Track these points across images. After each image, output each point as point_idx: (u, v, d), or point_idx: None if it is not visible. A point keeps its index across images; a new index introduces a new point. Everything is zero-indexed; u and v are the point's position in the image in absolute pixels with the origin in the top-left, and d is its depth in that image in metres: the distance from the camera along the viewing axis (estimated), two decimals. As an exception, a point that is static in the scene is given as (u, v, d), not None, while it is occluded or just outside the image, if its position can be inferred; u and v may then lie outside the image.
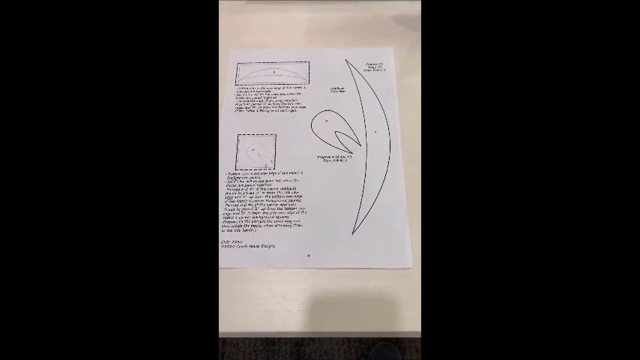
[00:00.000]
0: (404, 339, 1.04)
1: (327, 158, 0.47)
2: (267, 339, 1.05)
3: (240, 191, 0.46)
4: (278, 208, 0.45)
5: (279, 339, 1.05)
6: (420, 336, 0.39)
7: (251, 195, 0.45)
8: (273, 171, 0.47)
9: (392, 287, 0.41)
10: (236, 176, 0.46)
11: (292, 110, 0.50)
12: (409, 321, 0.40)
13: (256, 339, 1.05)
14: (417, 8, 0.55)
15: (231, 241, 0.43)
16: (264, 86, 0.52)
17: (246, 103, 0.51)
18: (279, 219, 0.44)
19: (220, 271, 0.42)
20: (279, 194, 0.45)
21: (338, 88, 0.51)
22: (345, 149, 0.48)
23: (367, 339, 1.05)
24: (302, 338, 1.05)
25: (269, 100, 0.51)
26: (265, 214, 0.45)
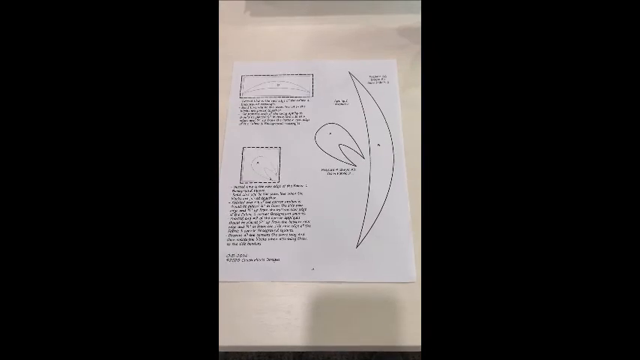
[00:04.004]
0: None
1: (330, 171, 0.48)
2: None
3: (245, 204, 0.46)
4: (282, 222, 0.45)
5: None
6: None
7: (256, 208, 0.46)
8: (278, 184, 0.47)
9: (397, 301, 0.41)
10: (241, 189, 0.47)
11: (296, 123, 0.50)
12: (414, 335, 0.40)
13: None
14: (419, 20, 0.56)
15: (236, 254, 0.44)
16: (268, 99, 0.52)
17: (250, 115, 0.51)
18: (284, 232, 0.45)
19: (226, 285, 0.42)
20: (283, 207, 0.46)
21: (341, 100, 0.52)
22: (349, 162, 0.48)
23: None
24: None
25: (273, 112, 0.51)
26: (270, 228, 0.45)
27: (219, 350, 0.41)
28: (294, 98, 0.52)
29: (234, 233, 0.45)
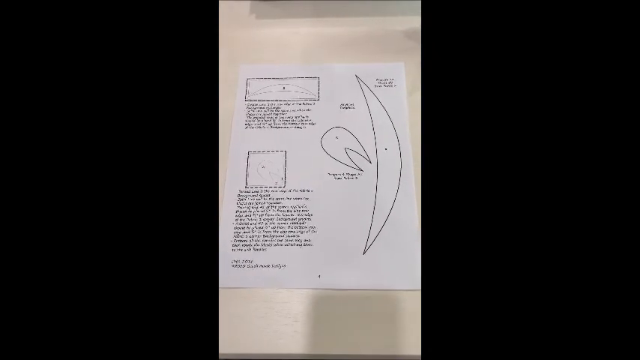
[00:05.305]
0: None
1: (337, 176, 0.47)
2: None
3: (251, 209, 0.45)
4: (288, 227, 0.45)
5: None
6: None
7: (261, 214, 0.45)
8: (284, 189, 0.46)
9: (405, 309, 0.41)
10: (246, 194, 0.46)
11: (302, 127, 0.50)
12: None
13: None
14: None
15: (241, 260, 0.43)
16: (273, 102, 0.51)
17: (256, 119, 0.50)
18: (290, 238, 0.44)
19: (230, 291, 0.42)
20: (289, 212, 0.45)
21: (348, 104, 0.51)
22: (356, 167, 0.47)
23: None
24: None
25: (279, 116, 0.51)
26: (276, 233, 0.44)
27: (225, 358, 0.40)
28: (300, 102, 0.51)
29: (240, 238, 0.44)
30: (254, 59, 0.55)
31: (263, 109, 0.51)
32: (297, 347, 0.40)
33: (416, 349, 0.39)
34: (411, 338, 0.39)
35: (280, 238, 0.44)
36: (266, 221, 0.45)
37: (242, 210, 0.45)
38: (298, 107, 0.51)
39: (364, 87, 0.52)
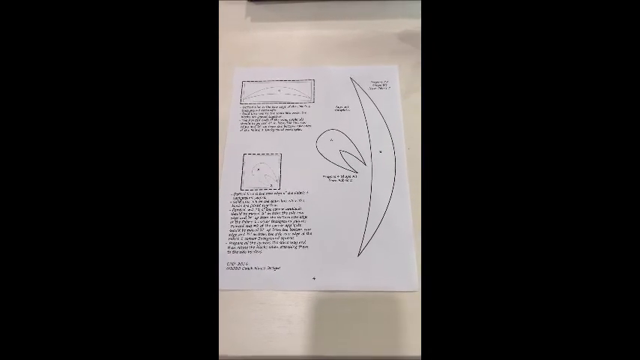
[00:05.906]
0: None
1: (332, 178, 0.47)
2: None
3: (246, 212, 0.46)
4: (283, 229, 0.45)
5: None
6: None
7: (256, 216, 0.45)
8: (279, 191, 0.47)
9: (399, 310, 0.41)
10: (241, 196, 0.46)
11: (297, 129, 0.50)
12: (417, 345, 0.39)
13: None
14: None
15: (236, 263, 0.43)
16: (269, 105, 0.52)
17: (251, 122, 0.51)
18: (285, 240, 0.44)
19: (226, 293, 0.42)
20: (284, 215, 0.45)
21: (343, 106, 0.51)
22: (351, 169, 0.48)
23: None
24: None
25: (274, 119, 0.51)
26: (271, 235, 0.44)
27: (219, 360, 0.40)
28: (295, 104, 0.52)
29: (235, 240, 0.44)
30: (249, 62, 0.55)
31: (258, 112, 0.51)
32: (295, 349, 0.40)
33: (415, 349, 0.39)
34: (410, 339, 0.40)
35: (275, 241, 0.44)
36: (261, 223, 0.45)
37: (237, 212, 0.46)
38: (293, 110, 0.51)
39: (359, 89, 0.52)
